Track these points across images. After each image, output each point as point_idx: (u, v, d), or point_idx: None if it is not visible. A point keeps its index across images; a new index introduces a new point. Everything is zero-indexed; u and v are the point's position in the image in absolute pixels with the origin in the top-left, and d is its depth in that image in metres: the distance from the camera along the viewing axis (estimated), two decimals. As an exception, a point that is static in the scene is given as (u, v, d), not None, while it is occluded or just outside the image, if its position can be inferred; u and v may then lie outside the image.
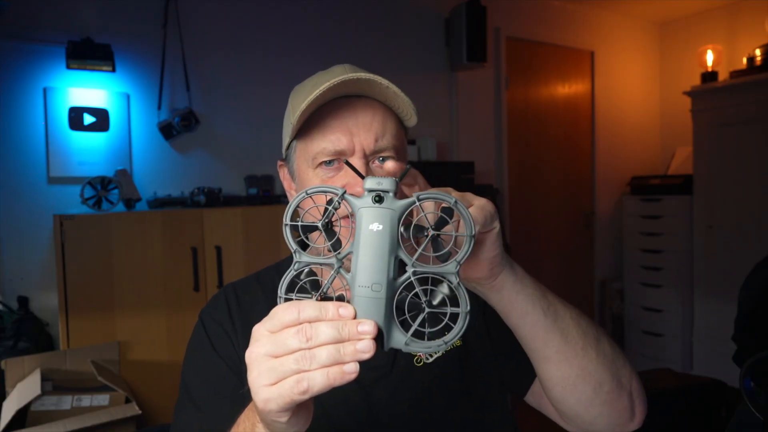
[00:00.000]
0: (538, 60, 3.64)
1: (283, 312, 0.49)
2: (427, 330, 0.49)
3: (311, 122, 0.74)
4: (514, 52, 3.49)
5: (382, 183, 0.51)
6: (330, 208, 0.53)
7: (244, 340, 0.79)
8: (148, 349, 2.00)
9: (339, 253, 0.52)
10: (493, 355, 0.82)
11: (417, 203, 0.51)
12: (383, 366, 0.78)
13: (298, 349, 0.48)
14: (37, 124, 2.18)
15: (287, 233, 0.53)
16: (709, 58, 3.48)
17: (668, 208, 3.61)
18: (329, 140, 0.73)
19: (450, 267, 0.50)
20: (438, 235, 0.50)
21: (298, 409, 0.50)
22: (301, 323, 0.48)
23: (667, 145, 4.19)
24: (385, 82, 0.70)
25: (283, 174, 0.86)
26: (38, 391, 1.65)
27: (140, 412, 1.71)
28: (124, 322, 1.97)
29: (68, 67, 2.14)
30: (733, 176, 3.28)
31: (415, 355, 0.79)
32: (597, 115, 3.90)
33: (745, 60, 3.29)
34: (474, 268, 0.59)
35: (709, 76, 3.43)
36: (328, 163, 0.74)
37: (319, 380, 0.46)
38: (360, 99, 0.75)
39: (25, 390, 1.70)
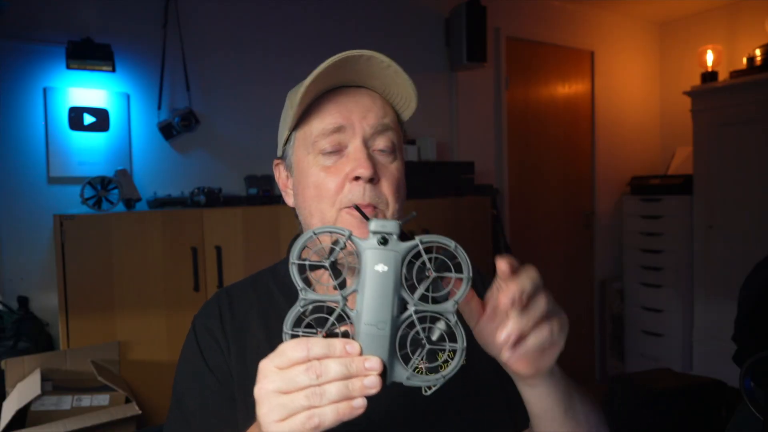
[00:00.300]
0: (538, 60, 3.64)
1: (292, 349, 0.50)
2: (424, 366, 0.53)
3: (309, 109, 0.75)
4: (514, 52, 3.49)
5: (387, 226, 0.54)
6: (337, 248, 0.55)
7: (236, 349, 0.78)
8: (148, 349, 2.00)
9: (344, 291, 0.54)
10: (500, 377, 0.80)
11: (420, 247, 0.54)
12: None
13: (308, 386, 0.49)
14: (37, 124, 2.18)
15: (294, 271, 0.55)
16: (709, 58, 3.48)
17: (668, 208, 3.61)
18: (328, 120, 0.74)
19: (449, 306, 0.53)
20: (439, 277, 0.54)
21: None
22: (310, 360, 0.50)
23: (667, 145, 4.19)
24: (386, 60, 0.72)
25: (278, 173, 0.86)
26: (38, 391, 1.65)
27: (140, 412, 1.72)
28: (124, 322, 1.96)
29: (68, 67, 2.14)
30: (733, 176, 3.28)
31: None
32: (597, 115, 3.90)
33: (745, 60, 3.29)
34: (520, 364, 0.58)
35: (709, 76, 3.43)
36: (329, 152, 0.74)
37: (329, 415, 0.48)
38: (359, 88, 0.76)
39: (25, 390, 1.70)
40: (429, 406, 0.76)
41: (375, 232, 0.54)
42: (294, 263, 0.55)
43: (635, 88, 4.13)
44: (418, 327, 0.53)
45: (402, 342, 0.53)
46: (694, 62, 3.66)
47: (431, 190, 2.71)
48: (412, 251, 0.54)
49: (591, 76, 3.89)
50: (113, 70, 2.20)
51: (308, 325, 0.54)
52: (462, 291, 0.53)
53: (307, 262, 0.55)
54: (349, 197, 0.74)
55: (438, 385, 0.53)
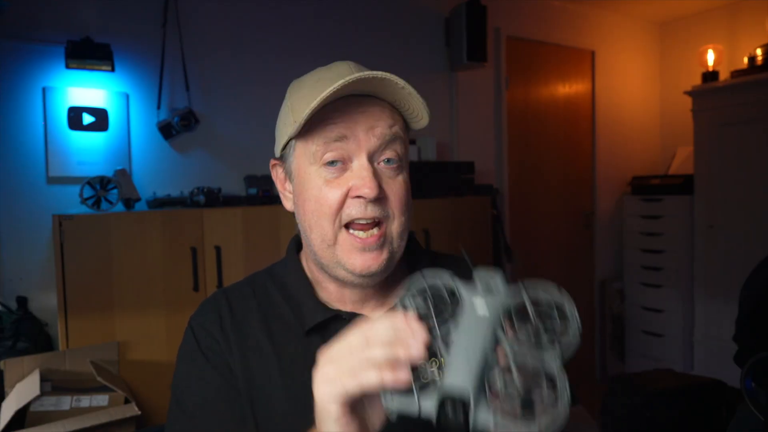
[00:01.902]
0: (538, 60, 3.63)
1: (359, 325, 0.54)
2: (518, 408, 0.48)
3: (313, 118, 0.71)
4: (514, 52, 3.48)
5: (491, 275, 0.55)
6: (444, 294, 0.56)
7: (236, 349, 0.77)
8: (147, 349, 2.00)
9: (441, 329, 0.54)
10: None
11: (528, 303, 0.53)
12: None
13: (357, 345, 0.52)
14: (36, 124, 2.17)
15: (399, 306, 0.57)
16: (710, 57, 3.47)
17: (669, 208, 3.60)
18: (331, 133, 0.71)
19: (552, 355, 0.50)
20: (542, 329, 0.52)
21: (351, 413, 0.52)
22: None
23: (667, 145, 4.19)
24: (401, 82, 0.68)
25: (276, 174, 0.83)
26: (37, 392, 1.64)
27: (139, 412, 1.71)
28: (124, 322, 1.96)
29: (67, 66, 2.13)
30: (734, 176, 3.27)
31: None
32: (597, 115, 3.89)
33: (746, 59, 3.28)
34: None
35: (710, 76, 3.43)
36: (332, 163, 0.72)
37: (372, 377, 0.49)
38: (367, 97, 0.73)
39: (24, 390, 1.70)
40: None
41: (480, 279, 0.54)
42: (402, 304, 0.57)
43: (636, 87, 4.12)
44: (512, 365, 0.49)
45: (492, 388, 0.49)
46: (695, 62, 3.65)
47: (431, 190, 2.70)
48: (518, 305, 0.53)
49: (591, 76, 3.88)
50: (112, 70, 2.20)
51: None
52: (572, 342, 0.50)
53: (411, 297, 0.56)
54: (348, 212, 0.72)
55: None
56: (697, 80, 3.51)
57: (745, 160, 3.22)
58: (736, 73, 3.27)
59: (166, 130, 2.36)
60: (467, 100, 3.28)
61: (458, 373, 0.49)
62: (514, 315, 0.52)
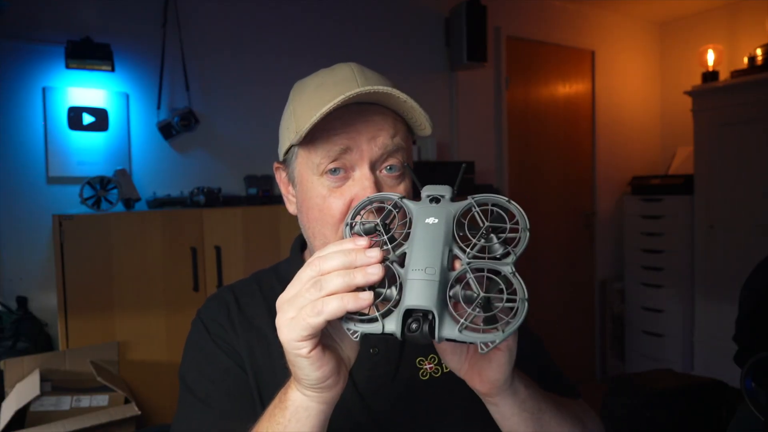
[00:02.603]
0: (538, 60, 3.63)
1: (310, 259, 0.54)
2: (482, 314, 0.48)
3: (315, 127, 0.71)
4: (514, 52, 3.48)
5: (438, 189, 0.54)
6: (389, 207, 0.55)
7: (244, 342, 0.78)
8: (147, 349, 2.00)
9: (394, 247, 0.53)
10: None
11: (472, 201, 0.53)
12: (383, 376, 0.75)
13: (311, 279, 0.51)
14: (36, 124, 2.17)
15: (346, 232, 0.57)
16: (710, 57, 3.47)
17: (669, 208, 3.60)
18: (334, 145, 0.70)
19: (507, 261, 0.50)
20: (492, 233, 0.52)
21: (323, 350, 0.53)
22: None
23: (667, 144, 4.19)
24: (403, 96, 0.68)
25: (280, 177, 0.83)
26: (37, 392, 1.64)
27: (139, 412, 1.71)
28: (124, 322, 1.96)
29: (67, 66, 2.13)
30: (734, 176, 3.27)
31: (421, 368, 0.77)
32: (597, 115, 3.89)
33: (746, 59, 3.28)
34: (474, 378, 0.59)
35: (710, 76, 3.42)
36: (334, 171, 0.71)
37: (333, 303, 0.49)
38: (371, 105, 0.72)
39: (24, 390, 1.70)
40: (432, 402, 0.76)
41: (427, 195, 0.54)
42: (348, 223, 0.56)
43: (636, 87, 4.12)
44: (470, 276, 0.49)
45: (454, 297, 0.50)
46: (695, 62, 3.65)
47: (431, 190, 2.70)
48: (464, 208, 0.52)
49: (591, 76, 3.88)
50: (112, 70, 2.20)
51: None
52: (522, 243, 0.51)
53: (359, 222, 0.56)
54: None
55: (498, 342, 0.48)
56: (697, 80, 3.51)
57: (745, 160, 3.21)
58: (736, 73, 3.26)
59: (166, 130, 2.36)
60: (467, 100, 3.28)
61: (419, 292, 0.49)
62: (466, 226, 0.52)
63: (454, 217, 0.52)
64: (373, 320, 0.50)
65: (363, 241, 0.52)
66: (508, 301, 0.48)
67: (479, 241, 0.51)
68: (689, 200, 3.51)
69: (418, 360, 0.78)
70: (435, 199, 0.54)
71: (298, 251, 0.87)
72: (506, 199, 0.53)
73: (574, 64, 3.80)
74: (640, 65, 4.14)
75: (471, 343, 0.48)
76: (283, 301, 0.53)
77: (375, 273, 0.50)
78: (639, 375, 2.59)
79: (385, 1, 3.00)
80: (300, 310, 0.51)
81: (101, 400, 1.75)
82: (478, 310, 0.48)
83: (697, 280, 3.48)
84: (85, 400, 1.74)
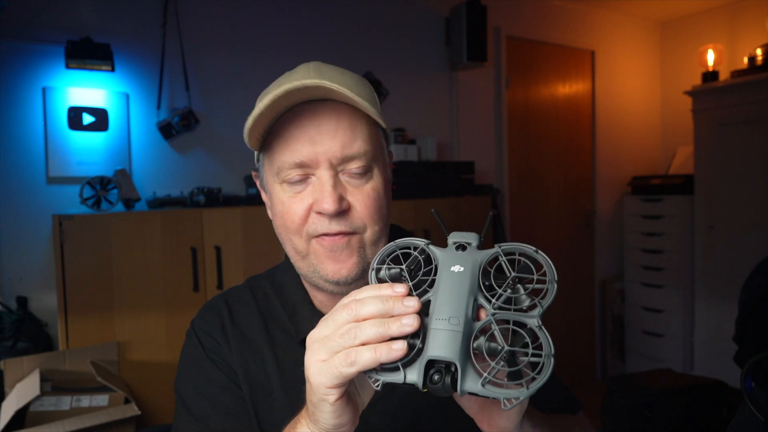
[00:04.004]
0: (538, 60, 3.63)
1: (344, 299, 0.52)
2: (506, 369, 0.47)
3: (273, 133, 0.69)
4: (514, 52, 3.48)
5: (465, 236, 0.54)
6: (415, 253, 0.54)
7: (237, 357, 0.77)
8: (147, 349, 2.00)
9: (419, 294, 0.52)
10: None
11: (499, 250, 0.52)
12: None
13: (346, 323, 0.49)
14: (36, 124, 2.17)
15: (372, 277, 0.55)
16: (710, 57, 3.47)
17: (669, 208, 3.60)
18: (291, 152, 0.68)
19: (533, 313, 0.49)
20: (518, 284, 0.51)
21: (347, 400, 0.51)
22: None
23: (667, 144, 4.19)
24: (344, 91, 0.64)
25: (258, 184, 0.82)
26: (37, 392, 1.64)
27: (139, 412, 1.71)
28: (124, 322, 1.96)
29: (67, 66, 2.13)
30: (734, 176, 3.27)
31: None
32: (597, 115, 3.89)
33: (746, 60, 3.28)
34: (483, 421, 0.57)
35: (710, 76, 3.42)
36: (293, 177, 0.70)
37: (366, 354, 0.47)
38: (324, 104, 0.69)
39: (24, 390, 1.70)
40: (432, 413, 0.75)
41: (454, 243, 0.53)
42: (373, 268, 0.55)
43: (636, 87, 4.12)
44: (495, 328, 0.48)
45: (478, 351, 0.48)
46: (695, 62, 3.65)
47: (431, 190, 2.70)
48: (491, 256, 0.52)
49: (591, 76, 3.88)
50: (112, 70, 2.20)
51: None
52: (550, 295, 0.50)
53: (384, 266, 0.55)
54: (314, 228, 0.70)
55: (522, 399, 0.46)
56: (698, 80, 3.51)
57: (745, 160, 3.21)
58: (736, 73, 3.26)
59: (166, 130, 2.36)
60: (467, 100, 3.28)
61: (442, 342, 0.48)
62: (492, 275, 0.52)
63: (481, 265, 0.52)
64: (395, 369, 0.49)
65: (401, 289, 0.50)
66: (534, 356, 0.47)
67: (505, 291, 0.50)
68: (689, 200, 3.51)
69: None
70: (461, 246, 0.53)
71: None
72: (534, 248, 0.52)
73: (574, 64, 3.80)
74: (640, 65, 4.14)
75: (494, 398, 0.47)
76: (314, 340, 0.51)
77: (410, 324, 0.48)
78: (639, 375, 2.59)
79: (385, 1, 3.00)
80: (333, 356, 0.49)
81: (101, 400, 1.75)
82: (502, 363, 0.47)
83: (697, 280, 3.48)
84: (85, 400, 1.74)
